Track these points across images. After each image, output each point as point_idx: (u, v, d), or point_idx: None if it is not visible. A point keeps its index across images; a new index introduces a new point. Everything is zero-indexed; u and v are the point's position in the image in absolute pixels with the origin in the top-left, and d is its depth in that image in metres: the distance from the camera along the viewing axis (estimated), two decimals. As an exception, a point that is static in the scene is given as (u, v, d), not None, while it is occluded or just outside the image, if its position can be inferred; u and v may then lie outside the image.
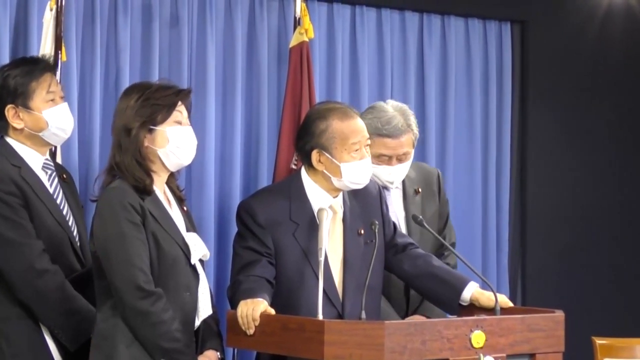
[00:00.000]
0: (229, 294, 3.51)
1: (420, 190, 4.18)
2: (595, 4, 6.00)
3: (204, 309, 3.38)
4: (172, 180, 3.49)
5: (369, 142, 3.64)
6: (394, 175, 4.06)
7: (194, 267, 3.37)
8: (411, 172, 4.20)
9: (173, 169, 3.43)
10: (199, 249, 3.39)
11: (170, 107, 3.37)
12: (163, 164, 3.38)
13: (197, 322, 3.36)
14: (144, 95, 3.34)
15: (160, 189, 3.40)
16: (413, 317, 4.07)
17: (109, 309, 3.24)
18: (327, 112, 3.62)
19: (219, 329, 3.51)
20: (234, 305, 3.42)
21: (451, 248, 3.87)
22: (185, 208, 3.52)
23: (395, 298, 4.05)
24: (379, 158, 4.00)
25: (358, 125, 3.60)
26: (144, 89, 3.39)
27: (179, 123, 3.38)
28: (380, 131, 4.01)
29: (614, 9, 6.03)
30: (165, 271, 3.26)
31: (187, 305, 3.31)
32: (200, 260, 3.42)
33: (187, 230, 3.42)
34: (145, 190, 3.29)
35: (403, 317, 4.03)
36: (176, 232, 3.35)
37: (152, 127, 3.33)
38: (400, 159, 4.05)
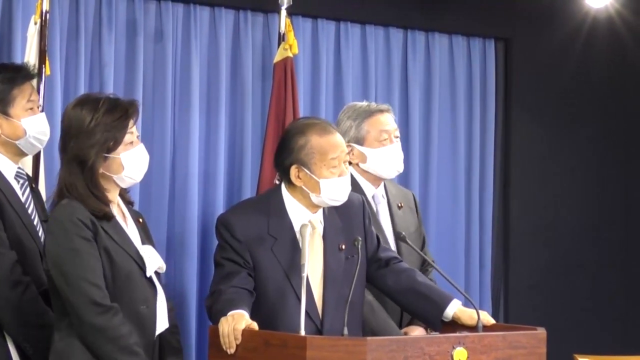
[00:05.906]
0: (208, 303, 3.46)
1: (402, 205, 4.20)
2: (578, 21, 6.02)
3: (162, 323, 3.32)
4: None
5: (347, 157, 3.63)
6: (398, 152, 4.13)
7: (150, 280, 3.31)
8: (391, 188, 4.24)
9: (126, 187, 3.37)
10: (154, 261, 3.32)
11: (122, 131, 3.25)
12: (117, 184, 3.32)
13: (155, 335, 3.31)
14: (94, 121, 3.21)
15: (113, 202, 3.33)
16: (409, 327, 4.07)
17: (65, 327, 3.18)
18: (306, 127, 3.60)
19: (180, 344, 3.48)
20: (212, 315, 3.40)
21: (435, 265, 3.87)
22: (140, 220, 3.45)
23: (391, 313, 4.04)
24: (381, 139, 4.08)
25: (337, 140, 3.59)
26: (93, 110, 3.23)
27: (131, 144, 3.29)
28: (370, 109, 4.13)
29: (597, 27, 6.06)
30: (120, 285, 3.20)
31: (145, 319, 3.25)
32: (157, 274, 3.35)
33: (143, 243, 3.35)
34: (104, 218, 3.23)
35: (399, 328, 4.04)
36: (129, 245, 3.28)
37: (106, 155, 3.23)
38: (397, 137, 4.14)
